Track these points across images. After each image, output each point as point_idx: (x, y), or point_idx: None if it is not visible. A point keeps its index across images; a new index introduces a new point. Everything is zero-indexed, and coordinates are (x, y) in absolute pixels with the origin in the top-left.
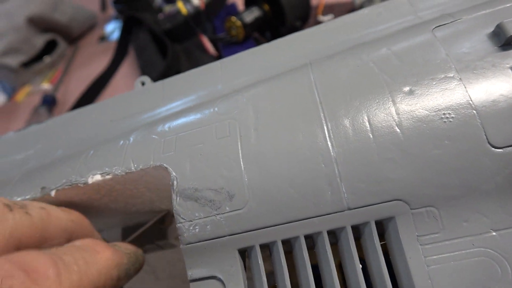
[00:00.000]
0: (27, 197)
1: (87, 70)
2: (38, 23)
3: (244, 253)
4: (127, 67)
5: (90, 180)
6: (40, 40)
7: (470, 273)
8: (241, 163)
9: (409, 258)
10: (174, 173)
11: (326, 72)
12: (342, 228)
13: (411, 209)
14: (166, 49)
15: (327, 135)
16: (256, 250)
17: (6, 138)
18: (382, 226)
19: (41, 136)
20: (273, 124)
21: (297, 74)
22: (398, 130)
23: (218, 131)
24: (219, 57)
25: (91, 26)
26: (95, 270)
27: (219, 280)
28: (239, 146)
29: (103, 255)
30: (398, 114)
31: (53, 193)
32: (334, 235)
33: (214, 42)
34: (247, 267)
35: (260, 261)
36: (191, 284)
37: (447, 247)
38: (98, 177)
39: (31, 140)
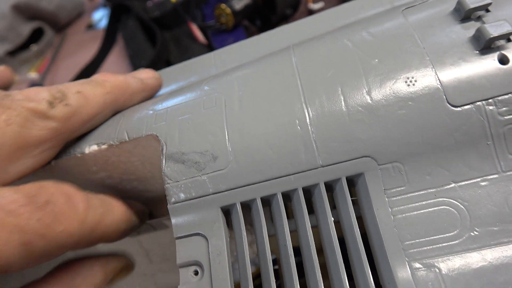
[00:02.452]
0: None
1: (75, 58)
2: (24, 11)
3: (228, 213)
4: (116, 55)
5: (87, 150)
6: (26, 28)
7: (432, 221)
8: (225, 128)
9: (377, 210)
10: (163, 141)
11: (305, 51)
12: (316, 185)
13: (378, 165)
14: (155, 37)
15: (303, 102)
16: (237, 207)
17: None
18: (352, 183)
19: None
20: (256, 95)
21: (280, 54)
22: (367, 95)
23: (206, 103)
24: (208, 45)
25: (78, 14)
26: (110, 219)
27: (203, 236)
28: (224, 114)
29: (119, 209)
30: (367, 81)
31: (53, 162)
32: (309, 193)
33: (203, 29)
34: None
35: (241, 217)
36: (176, 241)
37: (411, 199)
38: (94, 147)
39: None
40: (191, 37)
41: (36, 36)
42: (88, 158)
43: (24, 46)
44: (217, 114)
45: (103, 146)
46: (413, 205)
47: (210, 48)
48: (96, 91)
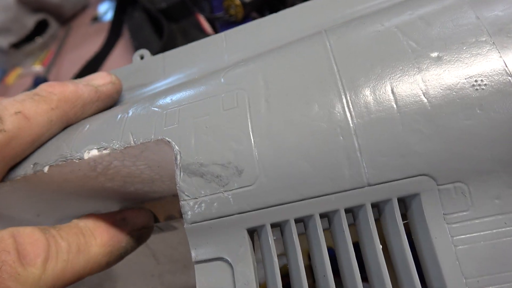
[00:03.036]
0: (19, 176)
1: (80, 51)
2: (29, 3)
3: (253, 234)
4: (122, 48)
5: (86, 156)
6: (31, 20)
7: (502, 254)
8: (251, 135)
9: (435, 238)
10: (177, 147)
11: (343, 39)
12: (361, 206)
13: (437, 185)
14: (162, 29)
15: (345, 105)
16: (267, 230)
17: None
18: (404, 204)
19: None
20: (286, 94)
21: (311, 41)
22: (424, 99)
23: (225, 102)
24: None
25: (83, 6)
26: (83, 260)
27: (226, 261)
28: (248, 117)
29: (98, 242)
30: (424, 82)
31: (46, 169)
32: (351, 214)
33: (211, 21)
34: (255, 249)
35: (271, 241)
36: (195, 266)
37: (476, 226)
38: (94, 152)
39: None
40: (199, 29)
41: (40, 28)
42: (86, 163)
43: (28, 38)
44: (240, 117)
45: (105, 151)
46: (479, 234)
47: None
48: (39, 109)
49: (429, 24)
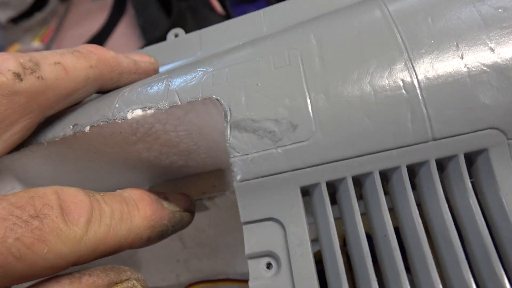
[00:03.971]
0: (58, 137)
1: (81, 28)
2: None
3: (305, 193)
4: (125, 26)
5: (129, 115)
6: None
7: None
8: (306, 91)
9: (505, 195)
10: (226, 105)
11: (400, 2)
12: (424, 163)
13: (507, 139)
14: (169, 6)
15: (407, 60)
16: (322, 188)
17: None
18: (469, 161)
19: None
20: (341, 52)
21: (365, 5)
22: (492, 52)
23: (276, 60)
24: (227, 16)
25: None
26: (125, 229)
27: (278, 221)
28: (303, 74)
29: (141, 213)
30: (491, 35)
31: (87, 128)
32: (412, 172)
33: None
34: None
35: (327, 200)
36: (244, 227)
37: None
38: (138, 112)
39: None
40: (209, 7)
41: (40, 3)
42: (129, 125)
43: (27, 13)
44: (293, 74)
45: (149, 111)
46: None
47: (228, 19)
48: (78, 63)
49: None
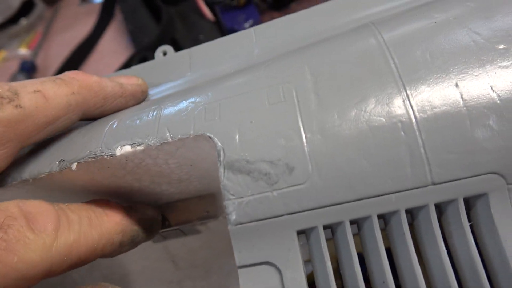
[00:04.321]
0: (43, 173)
1: (68, 34)
2: None
3: (301, 232)
4: (114, 32)
5: (118, 152)
6: (16, 0)
7: None
8: (302, 131)
9: (505, 241)
10: (220, 144)
11: (396, 31)
12: (423, 207)
13: (507, 184)
14: (158, 12)
15: (405, 99)
16: (319, 231)
17: None
18: (467, 205)
19: None
20: (337, 88)
21: (358, 34)
22: (493, 93)
23: (270, 96)
24: (217, 22)
25: None
26: (96, 233)
27: (274, 266)
28: (298, 112)
29: (111, 219)
30: (491, 75)
31: (74, 166)
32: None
33: (210, 5)
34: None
35: (324, 244)
36: (239, 270)
37: None
38: (127, 148)
39: None
40: (199, 13)
41: (26, 8)
42: (117, 161)
43: (13, 19)
44: (288, 111)
45: (139, 148)
46: None
47: (218, 25)
48: (59, 90)
49: (489, 14)
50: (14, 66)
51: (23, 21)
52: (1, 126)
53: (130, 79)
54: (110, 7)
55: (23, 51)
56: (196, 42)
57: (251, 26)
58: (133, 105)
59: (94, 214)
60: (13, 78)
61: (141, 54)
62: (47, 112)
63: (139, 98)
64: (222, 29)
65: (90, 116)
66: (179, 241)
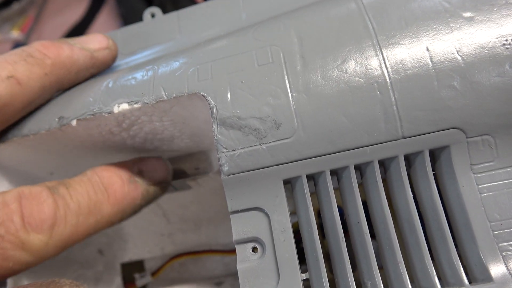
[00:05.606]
0: (43, 130)
1: (61, 17)
2: None
3: (287, 182)
4: (106, 16)
5: (115, 109)
6: None
7: None
8: (288, 90)
9: (462, 187)
10: (212, 102)
11: None
12: (394, 158)
13: (467, 137)
14: None
15: (382, 62)
16: (303, 180)
17: None
18: (433, 156)
19: None
20: (321, 51)
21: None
22: (458, 57)
23: (259, 57)
24: None
25: None
26: (94, 221)
27: (262, 211)
28: (285, 73)
29: (111, 200)
30: (458, 40)
31: (74, 122)
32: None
33: None
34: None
35: (307, 191)
36: (231, 216)
37: (501, 175)
38: (125, 106)
39: None
40: None
41: None
42: (115, 118)
43: (5, 3)
44: (276, 72)
45: (136, 105)
46: (503, 182)
47: None
48: (32, 74)
49: None
50: (6, 49)
51: (16, 5)
52: None
53: (101, 42)
54: None
55: (16, 34)
56: None
57: None
58: (104, 70)
59: (96, 197)
60: None
61: None
62: (22, 98)
63: (110, 65)
64: None
65: (64, 89)
66: (171, 196)
